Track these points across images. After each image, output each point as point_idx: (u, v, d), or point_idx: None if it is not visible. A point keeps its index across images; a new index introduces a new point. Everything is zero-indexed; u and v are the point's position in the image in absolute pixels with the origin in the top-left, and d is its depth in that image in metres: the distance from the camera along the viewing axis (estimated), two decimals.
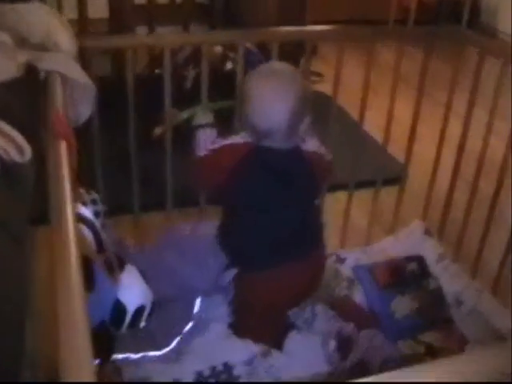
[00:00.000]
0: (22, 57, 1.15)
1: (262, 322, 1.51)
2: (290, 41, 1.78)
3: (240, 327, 1.53)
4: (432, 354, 1.54)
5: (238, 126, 1.51)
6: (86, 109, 1.27)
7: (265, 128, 1.38)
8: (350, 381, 0.60)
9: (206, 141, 1.49)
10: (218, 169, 1.45)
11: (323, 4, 3.76)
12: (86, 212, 1.22)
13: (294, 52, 2.61)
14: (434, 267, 1.81)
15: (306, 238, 1.49)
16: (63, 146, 0.97)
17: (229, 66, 2.69)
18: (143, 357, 1.43)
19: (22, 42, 1.22)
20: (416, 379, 0.63)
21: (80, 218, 1.16)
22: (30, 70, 1.14)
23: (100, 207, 1.29)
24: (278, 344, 1.50)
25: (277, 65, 1.50)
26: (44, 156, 0.99)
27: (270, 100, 1.37)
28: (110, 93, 1.74)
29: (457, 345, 1.58)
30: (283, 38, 1.72)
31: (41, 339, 1.01)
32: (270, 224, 1.46)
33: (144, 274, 1.34)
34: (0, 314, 0.86)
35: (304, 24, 3.02)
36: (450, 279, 1.78)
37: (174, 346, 1.48)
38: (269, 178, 1.45)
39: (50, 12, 1.32)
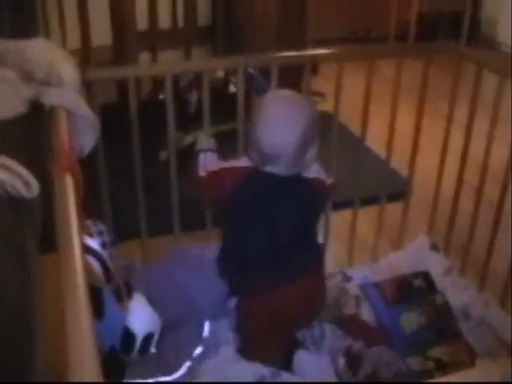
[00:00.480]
0: (28, 92, 1.18)
1: (267, 345, 1.52)
2: (290, 65, 1.81)
3: (247, 351, 1.54)
4: (442, 369, 1.54)
5: (247, 148, 1.53)
6: (89, 140, 1.30)
7: (270, 153, 1.41)
8: None
9: (206, 165, 1.52)
10: (217, 191, 1.48)
11: (324, 22, 3.78)
12: (93, 243, 1.24)
13: (294, 72, 2.64)
14: (441, 281, 1.82)
15: (303, 262, 1.51)
16: (69, 180, 0.99)
17: (231, 89, 2.73)
18: (154, 382, 1.44)
19: (26, 77, 1.25)
20: None
21: (87, 250, 1.18)
22: (36, 106, 1.18)
23: (106, 238, 1.32)
24: (286, 364, 1.51)
25: (288, 92, 1.50)
26: (51, 189, 1.02)
27: (279, 126, 1.40)
28: (115, 119, 1.77)
29: (466, 358, 1.58)
30: (283, 62, 1.75)
31: (51, 366, 1.02)
32: (268, 249, 1.48)
33: (152, 301, 1.36)
34: (10, 341, 0.88)
35: (305, 43, 3.05)
36: (457, 292, 1.79)
37: (185, 371, 1.49)
38: (267, 202, 1.47)
39: (52, 46, 1.35)
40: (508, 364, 0.68)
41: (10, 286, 0.90)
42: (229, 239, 1.55)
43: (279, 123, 1.40)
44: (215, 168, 1.51)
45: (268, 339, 1.51)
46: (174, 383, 1.44)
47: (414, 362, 1.56)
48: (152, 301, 1.37)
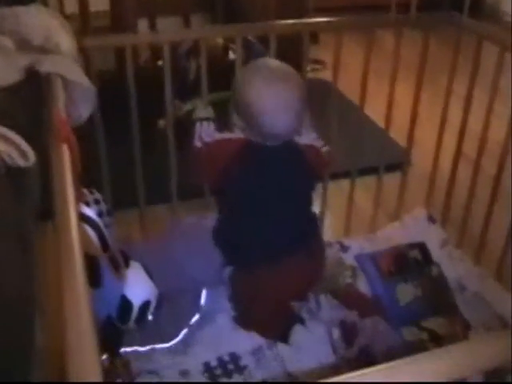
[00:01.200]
0: (24, 60, 1.16)
1: (264, 317, 1.53)
2: (288, 33, 1.79)
3: (244, 321, 1.55)
4: (435, 340, 1.55)
5: (234, 120, 1.51)
6: (86, 109, 1.29)
7: (272, 133, 1.42)
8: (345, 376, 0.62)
9: (203, 135, 1.51)
10: (212, 163, 1.48)
11: None
12: (90, 212, 1.24)
13: (294, 40, 2.62)
14: (438, 253, 1.82)
15: (302, 230, 1.52)
16: (65, 149, 0.99)
17: (231, 56, 2.70)
18: (151, 349, 1.46)
19: (23, 44, 1.24)
20: (413, 370, 0.65)
21: (84, 219, 1.18)
22: (32, 73, 1.16)
23: (103, 207, 1.32)
24: (283, 337, 1.52)
25: (280, 68, 1.46)
26: (47, 158, 1.01)
27: (281, 110, 1.39)
28: (113, 86, 1.76)
29: (460, 330, 1.59)
30: (282, 30, 1.73)
31: (50, 336, 1.03)
32: (266, 219, 1.48)
33: (148, 270, 1.37)
34: (10, 312, 0.88)
35: (305, 11, 3.01)
36: (453, 265, 1.80)
37: (182, 338, 1.51)
38: (263, 173, 1.47)
39: (49, 14, 1.34)
40: (508, 336, 0.68)
41: (9, 260, 0.91)
42: (225, 211, 1.54)
43: (281, 107, 1.39)
44: (210, 140, 1.50)
45: (264, 311, 1.52)
46: None
47: (408, 333, 1.57)
48: (150, 271, 1.38)
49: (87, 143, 1.18)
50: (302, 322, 1.55)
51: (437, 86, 2.08)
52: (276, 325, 1.54)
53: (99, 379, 0.61)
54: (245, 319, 1.55)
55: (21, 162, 0.98)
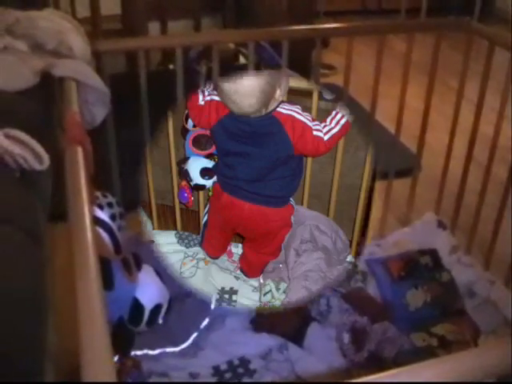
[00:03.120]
0: (38, 64, 1.17)
1: (282, 319, 1.56)
2: (300, 38, 1.80)
3: (263, 322, 1.56)
4: (445, 346, 1.55)
5: None
6: (100, 112, 1.30)
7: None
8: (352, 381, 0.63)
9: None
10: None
11: None
12: (103, 215, 1.25)
13: (305, 44, 2.62)
14: (447, 258, 1.82)
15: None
16: (79, 152, 0.99)
17: (242, 60, 2.71)
18: (161, 353, 1.46)
19: (37, 48, 1.24)
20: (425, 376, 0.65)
21: (97, 221, 1.19)
22: (46, 77, 1.17)
23: (116, 210, 1.32)
24: (299, 337, 1.53)
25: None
26: (61, 160, 1.02)
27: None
28: (124, 89, 1.76)
29: (470, 336, 1.59)
30: (294, 36, 1.74)
31: (62, 337, 1.04)
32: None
33: (159, 273, 1.37)
34: (21, 310, 0.89)
35: (315, 15, 3.02)
36: (462, 270, 1.79)
37: (192, 342, 1.51)
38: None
39: (63, 17, 1.34)
40: (508, 343, 0.68)
41: (21, 260, 0.91)
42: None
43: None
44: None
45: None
46: None
47: (418, 338, 1.57)
48: (159, 273, 1.39)
49: (98, 146, 1.19)
50: (317, 320, 1.57)
51: (447, 91, 2.08)
52: (294, 323, 1.55)
53: (113, 380, 0.61)
54: (265, 319, 1.56)
55: (35, 166, 0.98)
